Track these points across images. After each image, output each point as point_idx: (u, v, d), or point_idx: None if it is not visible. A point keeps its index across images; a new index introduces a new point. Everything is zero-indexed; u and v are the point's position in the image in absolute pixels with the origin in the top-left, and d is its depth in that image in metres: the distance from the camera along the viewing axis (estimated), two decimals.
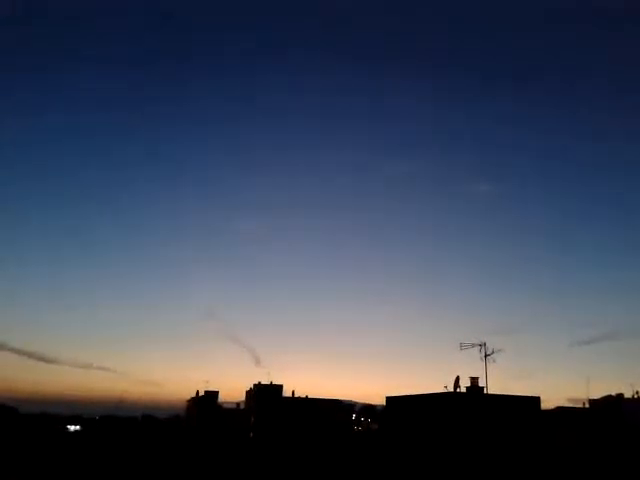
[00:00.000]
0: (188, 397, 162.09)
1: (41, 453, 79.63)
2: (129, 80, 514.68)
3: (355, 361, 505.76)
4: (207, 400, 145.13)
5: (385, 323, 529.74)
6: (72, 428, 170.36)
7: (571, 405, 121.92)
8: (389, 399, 56.49)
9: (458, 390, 48.26)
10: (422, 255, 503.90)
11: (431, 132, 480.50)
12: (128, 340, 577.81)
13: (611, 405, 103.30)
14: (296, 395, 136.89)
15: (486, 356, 49.86)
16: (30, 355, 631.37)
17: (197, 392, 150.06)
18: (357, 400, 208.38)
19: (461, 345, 51.07)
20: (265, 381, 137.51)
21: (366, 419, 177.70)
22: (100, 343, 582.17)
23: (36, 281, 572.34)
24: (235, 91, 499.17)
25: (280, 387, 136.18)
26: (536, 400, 48.62)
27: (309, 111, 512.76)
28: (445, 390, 47.91)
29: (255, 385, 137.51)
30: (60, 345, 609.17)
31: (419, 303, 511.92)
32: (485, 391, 48.42)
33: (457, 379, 48.43)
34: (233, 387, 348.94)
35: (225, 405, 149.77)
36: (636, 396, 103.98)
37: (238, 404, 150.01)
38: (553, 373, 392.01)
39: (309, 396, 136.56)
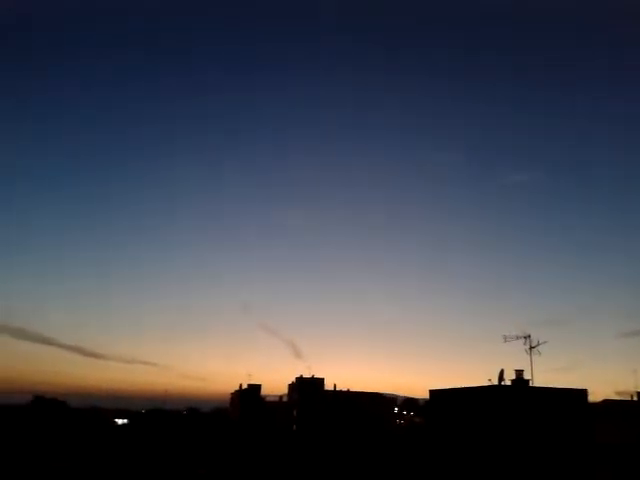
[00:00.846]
0: (232, 390, 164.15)
1: (91, 445, 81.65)
2: (186, 68, 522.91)
3: (398, 354, 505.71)
4: (250, 393, 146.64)
5: (429, 316, 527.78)
6: (120, 422, 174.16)
7: (619, 398, 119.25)
8: (432, 392, 56.03)
9: (503, 383, 47.57)
10: (464, 249, 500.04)
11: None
12: (172, 335, 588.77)
13: None
14: (337, 388, 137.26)
15: (531, 348, 48.98)
16: (78, 350, 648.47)
17: (240, 385, 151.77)
18: (399, 393, 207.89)
19: (505, 337, 50.30)
20: (306, 374, 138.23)
21: (408, 413, 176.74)
22: (145, 338, 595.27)
23: (83, 280, 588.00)
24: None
25: (321, 380, 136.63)
26: (583, 393, 47.52)
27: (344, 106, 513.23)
28: (489, 383, 47.29)
29: (297, 378, 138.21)
30: (107, 341, 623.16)
31: (463, 296, 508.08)
32: (530, 384, 47.59)
33: (501, 372, 47.70)
34: (275, 380, 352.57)
35: (268, 398, 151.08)
36: None
37: (281, 397, 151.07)
38: (600, 365, 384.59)
39: (350, 389, 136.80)
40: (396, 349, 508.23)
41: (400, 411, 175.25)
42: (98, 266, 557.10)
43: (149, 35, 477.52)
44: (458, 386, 51.07)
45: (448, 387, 53.21)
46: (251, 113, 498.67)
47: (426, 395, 59.13)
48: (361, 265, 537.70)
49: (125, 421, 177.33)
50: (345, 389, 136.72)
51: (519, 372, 48.09)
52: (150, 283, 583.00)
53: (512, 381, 48.22)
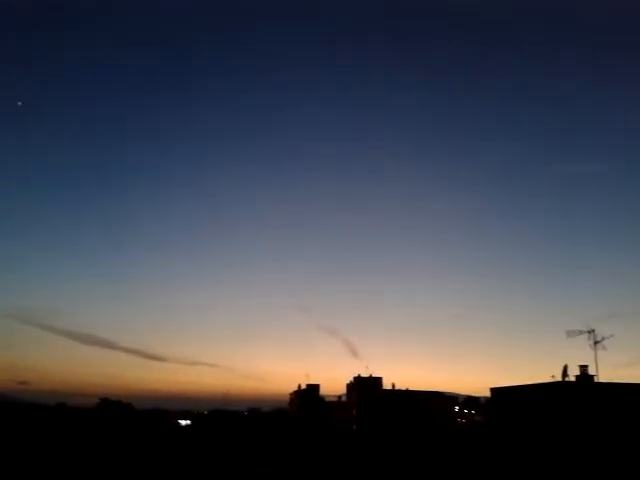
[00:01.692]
0: (291, 390, 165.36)
1: (156, 446, 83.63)
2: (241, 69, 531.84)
3: (457, 352, 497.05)
4: (309, 393, 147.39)
5: (489, 312, 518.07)
6: (183, 423, 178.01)
7: None
8: (494, 390, 55.15)
9: (567, 379, 46.39)
10: (525, 243, 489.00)
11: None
12: (232, 337, 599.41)
13: None
14: (396, 387, 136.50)
15: (596, 343, 47.60)
16: (141, 354, 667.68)
17: (299, 385, 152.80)
18: (460, 392, 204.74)
19: (569, 332, 49.02)
20: (364, 373, 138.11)
21: (470, 411, 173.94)
22: (206, 341, 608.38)
23: (146, 285, 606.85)
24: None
25: (380, 380, 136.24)
26: None
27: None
28: (553, 380, 46.22)
29: (355, 378, 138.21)
30: (168, 344, 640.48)
31: (524, 291, 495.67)
32: (595, 380, 46.23)
33: (565, 368, 46.52)
34: (332, 380, 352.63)
35: (327, 398, 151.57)
36: None
37: (339, 397, 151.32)
38: None
39: (409, 388, 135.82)
40: (456, 347, 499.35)
41: (461, 410, 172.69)
42: (161, 270, 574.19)
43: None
44: (520, 383, 50.12)
45: (510, 385, 52.29)
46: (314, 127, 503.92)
47: (487, 393, 58.27)
48: (419, 262, 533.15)
49: (188, 422, 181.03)
50: (404, 388, 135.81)
51: (583, 368, 46.79)
52: (210, 286, 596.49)
53: (576, 377, 46.95)
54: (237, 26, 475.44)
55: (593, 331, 48.12)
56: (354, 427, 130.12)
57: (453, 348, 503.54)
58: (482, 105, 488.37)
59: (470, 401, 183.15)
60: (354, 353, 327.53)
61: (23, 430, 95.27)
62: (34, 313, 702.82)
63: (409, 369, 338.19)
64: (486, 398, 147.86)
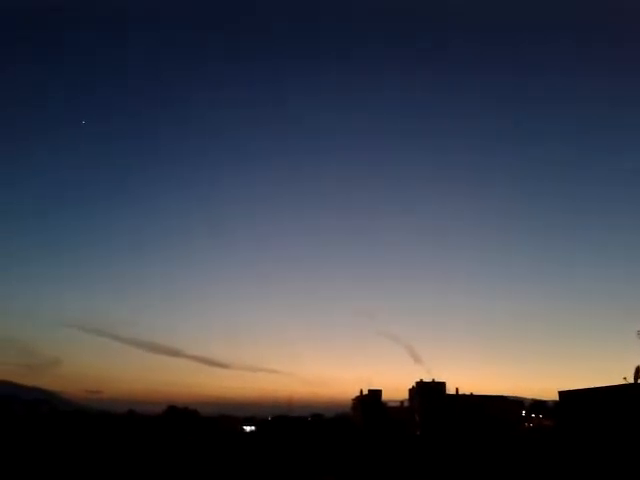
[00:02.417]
0: (353, 396, 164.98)
1: (223, 452, 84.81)
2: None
3: (523, 355, 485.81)
4: (371, 399, 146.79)
5: (556, 314, 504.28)
6: (248, 429, 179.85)
7: None
8: (562, 393, 53.68)
9: (639, 381, 44.72)
10: (592, 242, 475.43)
11: None
12: (295, 343, 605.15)
13: None
14: (460, 392, 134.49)
15: None
16: (205, 361, 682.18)
17: (361, 391, 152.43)
18: (526, 396, 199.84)
19: (639, 333, 47.30)
20: (427, 378, 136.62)
21: (537, 415, 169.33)
22: (269, 347, 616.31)
23: (209, 294, 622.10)
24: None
25: (443, 384, 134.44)
26: None
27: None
28: (625, 382, 44.64)
29: (417, 383, 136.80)
30: (232, 351, 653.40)
31: (593, 291, 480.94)
32: None
33: (637, 370, 44.88)
34: (394, 385, 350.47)
35: (389, 403, 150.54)
36: None
37: (402, 402, 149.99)
38: None
39: (474, 393, 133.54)
40: (521, 349, 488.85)
41: (528, 414, 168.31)
42: (224, 280, 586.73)
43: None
44: (590, 386, 48.64)
45: (579, 388, 50.81)
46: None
47: (555, 397, 56.73)
48: (482, 265, 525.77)
49: (253, 428, 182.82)
50: (468, 393, 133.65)
51: None
52: (272, 294, 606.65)
53: None
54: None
55: None
56: (418, 433, 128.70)
57: (518, 351, 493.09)
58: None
59: (537, 405, 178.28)
60: (416, 358, 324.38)
61: (97, 439, 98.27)
62: (103, 324, 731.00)
63: (473, 373, 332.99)
64: (554, 402, 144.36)
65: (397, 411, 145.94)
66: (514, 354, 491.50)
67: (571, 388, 52.15)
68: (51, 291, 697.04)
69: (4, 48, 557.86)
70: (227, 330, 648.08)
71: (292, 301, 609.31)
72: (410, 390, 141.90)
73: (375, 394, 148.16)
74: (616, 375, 46.11)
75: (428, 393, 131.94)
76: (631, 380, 44.66)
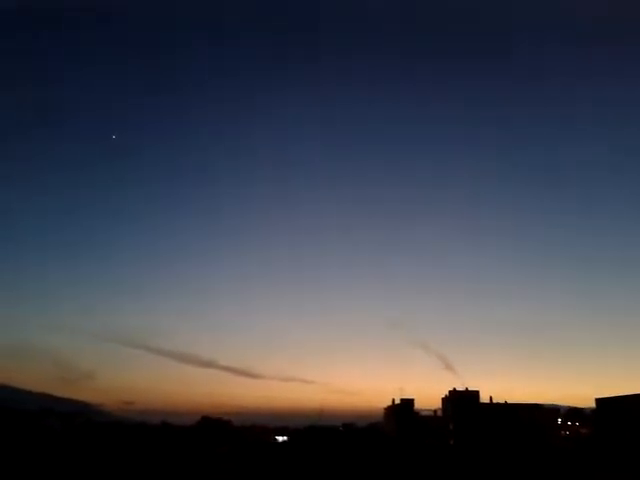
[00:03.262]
0: (385, 405, 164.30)
1: (255, 462, 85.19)
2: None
3: (558, 361, 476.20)
4: (404, 408, 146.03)
5: (591, 318, 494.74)
6: (280, 439, 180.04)
7: None
8: (600, 401, 53.11)
9: None
10: (632, 245, 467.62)
11: None
12: (326, 353, 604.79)
13: None
14: (494, 400, 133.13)
15: None
16: (238, 371, 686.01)
17: (393, 400, 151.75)
18: (562, 403, 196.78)
19: None
20: (459, 387, 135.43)
21: (573, 423, 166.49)
22: (300, 357, 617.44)
23: (242, 305, 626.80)
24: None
25: (476, 393, 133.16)
26: None
27: None
28: None
29: (450, 392, 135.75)
30: (264, 361, 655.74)
31: (629, 295, 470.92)
32: None
33: None
34: (427, 394, 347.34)
35: (422, 412, 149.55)
36: None
37: (435, 411, 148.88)
38: None
39: (508, 401, 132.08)
40: (556, 356, 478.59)
41: (564, 422, 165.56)
42: (257, 290, 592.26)
43: None
44: (629, 393, 48.06)
45: (617, 394, 50.23)
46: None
47: (592, 404, 56.15)
48: (513, 270, 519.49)
49: (285, 438, 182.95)
50: (502, 401, 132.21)
51: None
52: (303, 303, 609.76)
53: None
54: None
55: None
56: (451, 442, 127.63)
57: (553, 357, 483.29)
58: None
59: (573, 413, 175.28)
60: (448, 366, 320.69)
61: (132, 450, 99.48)
62: (137, 335, 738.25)
63: (507, 381, 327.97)
64: (591, 409, 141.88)
65: (430, 420, 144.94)
66: (549, 361, 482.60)
67: (609, 395, 51.50)
68: (85, 305, 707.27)
69: (35, 60, 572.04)
70: (259, 340, 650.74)
71: (323, 310, 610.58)
72: (443, 399, 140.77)
73: (407, 403, 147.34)
74: None
75: (461, 402, 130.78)
76: None
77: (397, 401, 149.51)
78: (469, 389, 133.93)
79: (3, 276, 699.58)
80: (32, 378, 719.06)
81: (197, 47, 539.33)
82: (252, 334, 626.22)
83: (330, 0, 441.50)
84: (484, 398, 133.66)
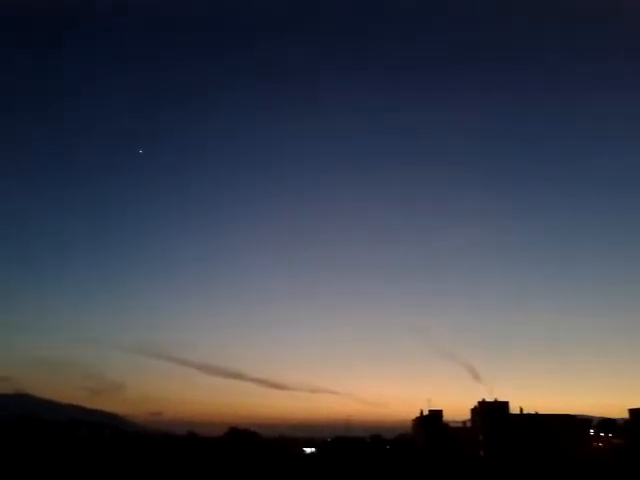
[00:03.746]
0: (413, 416, 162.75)
1: (283, 474, 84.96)
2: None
3: (589, 371, 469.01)
4: (432, 419, 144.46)
5: (624, 328, 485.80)
6: (307, 450, 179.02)
7: None
8: (633, 411, 51.80)
9: None
10: None
11: None
12: (352, 364, 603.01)
13: None
14: (524, 411, 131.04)
15: None
16: (265, 383, 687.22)
17: (421, 411, 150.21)
18: (594, 414, 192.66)
19: None
20: (488, 398, 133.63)
21: (606, 434, 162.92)
22: (327, 368, 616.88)
23: (269, 317, 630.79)
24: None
25: (506, 404, 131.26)
26: None
27: None
28: None
29: (479, 402, 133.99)
30: (291, 372, 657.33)
31: None
32: None
33: None
34: (455, 405, 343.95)
35: (451, 424, 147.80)
36: None
37: (464, 422, 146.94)
38: None
39: (538, 412, 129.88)
40: (588, 366, 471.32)
41: (596, 433, 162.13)
42: (282, 302, 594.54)
43: None
44: None
45: None
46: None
47: (625, 414, 54.90)
48: (543, 280, 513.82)
49: (312, 450, 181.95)
50: (532, 412, 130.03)
51: None
52: (329, 314, 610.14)
53: None
54: None
55: None
56: (481, 454, 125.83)
57: (585, 367, 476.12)
58: None
59: (606, 423, 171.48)
60: (476, 377, 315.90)
61: (159, 461, 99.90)
62: (164, 347, 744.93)
63: (537, 391, 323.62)
64: (624, 420, 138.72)
65: (459, 432, 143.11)
66: (580, 370, 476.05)
67: None
68: (113, 317, 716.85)
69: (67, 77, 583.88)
70: (286, 352, 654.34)
71: (351, 322, 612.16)
72: (472, 410, 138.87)
73: (436, 414, 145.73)
74: None
75: (491, 413, 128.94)
76: None
77: (425, 412, 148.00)
78: (498, 400, 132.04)
79: (34, 289, 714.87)
80: (62, 390, 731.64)
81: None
82: (279, 345, 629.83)
83: None
84: (514, 409, 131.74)
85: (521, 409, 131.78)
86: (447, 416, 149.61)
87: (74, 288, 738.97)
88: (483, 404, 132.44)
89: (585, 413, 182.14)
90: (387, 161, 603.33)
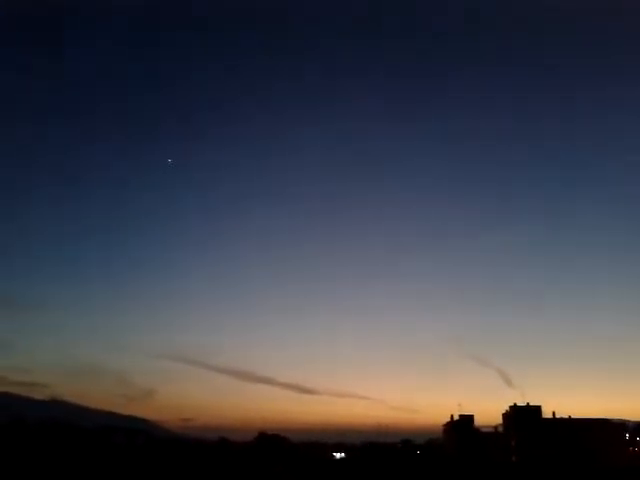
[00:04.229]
0: (443, 422, 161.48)
1: (312, 479, 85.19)
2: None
3: (624, 374, 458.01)
4: (463, 424, 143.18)
5: None
6: (338, 455, 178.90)
7: None
8: None
9: None
10: None
11: None
12: (382, 368, 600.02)
13: None
14: (557, 416, 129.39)
15: None
16: (295, 388, 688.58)
17: (451, 416, 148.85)
18: (630, 418, 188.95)
19: None
20: (520, 402, 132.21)
21: None
22: (356, 373, 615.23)
23: (299, 323, 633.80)
24: None
25: (538, 408, 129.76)
26: None
27: None
28: None
29: (511, 407, 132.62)
30: (320, 377, 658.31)
31: None
32: None
33: None
34: (486, 410, 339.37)
35: (482, 429, 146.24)
36: None
37: (496, 427, 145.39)
38: None
39: (572, 416, 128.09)
40: (623, 368, 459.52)
41: (632, 438, 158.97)
42: (314, 307, 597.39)
43: None
44: None
45: None
46: None
47: None
48: (571, 283, 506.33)
49: (342, 455, 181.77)
50: (566, 416, 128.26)
51: None
52: (360, 320, 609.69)
53: None
54: None
55: None
56: (513, 459, 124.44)
57: (620, 370, 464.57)
58: None
59: None
60: (508, 382, 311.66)
61: (191, 466, 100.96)
62: (195, 353, 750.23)
63: (570, 395, 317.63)
64: None
65: (490, 437, 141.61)
66: (616, 373, 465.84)
67: None
68: (145, 324, 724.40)
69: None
70: (316, 357, 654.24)
71: (380, 326, 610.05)
72: (504, 415, 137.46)
73: (467, 419, 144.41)
74: None
75: (523, 418, 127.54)
76: None
77: (456, 417, 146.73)
78: (531, 404, 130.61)
79: (70, 298, 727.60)
80: (96, 396, 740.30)
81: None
82: (309, 351, 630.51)
83: None
84: (547, 413, 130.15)
85: (554, 413, 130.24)
86: (478, 421, 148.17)
87: (108, 295, 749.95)
88: (515, 409, 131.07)
89: (621, 417, 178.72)
90: (415, 163, 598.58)
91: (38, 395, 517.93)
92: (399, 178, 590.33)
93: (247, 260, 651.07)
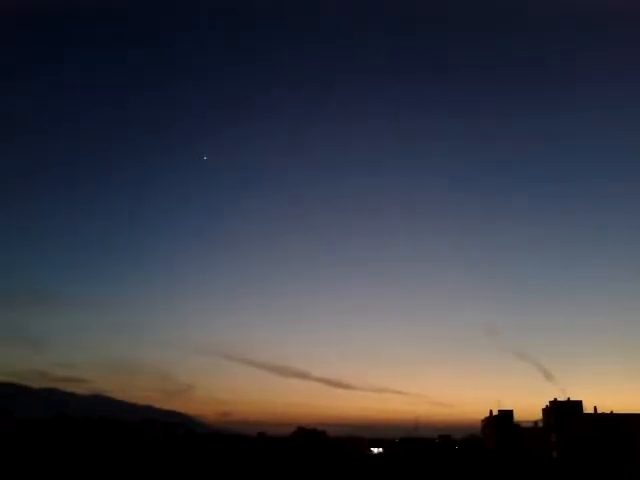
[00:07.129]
0: (482, 417, 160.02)
1: (351, 474, 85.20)
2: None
3: None
4: (502, 420, 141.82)
5: None
6: (375, 450, 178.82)
7: None
8: None
9: None
10: None
11: None
12: (419, 363, 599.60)
13: None
14: (599, 411, 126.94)
15: None
16: (331, 383, 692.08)
17: (490, 412, 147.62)
18: None
19: None
20: (560, 397, 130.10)
21: None
22: (393, 368, 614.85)
23: (336, 318, 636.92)
24: None
25: (579, 403, 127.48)
26: None
27: None
28: None
29: (551, 402, 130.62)
30: (357, 372, 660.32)
31: None
32: None
33: None
34: (525, 405, 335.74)
35: (522, 424, 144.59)
36: None
37: (536, 422, 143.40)
38: None
39: (614, 411, 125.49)
40: None
41: None
42: (349, 302, 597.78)
43: None
44: None
45: None
46: None
47: None
48: (612, 276, 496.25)
49: (380, 450, 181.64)
50: (608, 411, 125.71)
51: None
52: (395, 315, 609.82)
53: None
54: None
55: None
56: (554, 455, 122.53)
57: None
58: None
59: None
60: (548, 376, 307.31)
61: (233, 461, 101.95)
62: (234, 348, 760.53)
63: (612, 390, 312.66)
64: None
65: (530, 432, 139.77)
66: None
67: None
68: (185, 320, 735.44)
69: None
70: (353, 352, 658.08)
71: (417, 321, 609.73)
72: (544, 410, 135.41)
73: (506, 414, 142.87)
74: None
75: (563, 413, 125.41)
76: None
77: (495, 413, 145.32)
78: (571, 399, 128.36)
79: (113, 297, 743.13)
80: (135, 391, 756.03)
81: None
82: (345, 346, 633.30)
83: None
84: (588, 408, 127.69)
85: (595, 408, 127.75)
86: (518, 416, 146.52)
87: (147, 294, 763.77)
88: (555, 403, 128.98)
89: None
90: (453, 157, 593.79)
91: (80, 390, 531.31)
92: (434, 171, 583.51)
93: (285, 260, 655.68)
